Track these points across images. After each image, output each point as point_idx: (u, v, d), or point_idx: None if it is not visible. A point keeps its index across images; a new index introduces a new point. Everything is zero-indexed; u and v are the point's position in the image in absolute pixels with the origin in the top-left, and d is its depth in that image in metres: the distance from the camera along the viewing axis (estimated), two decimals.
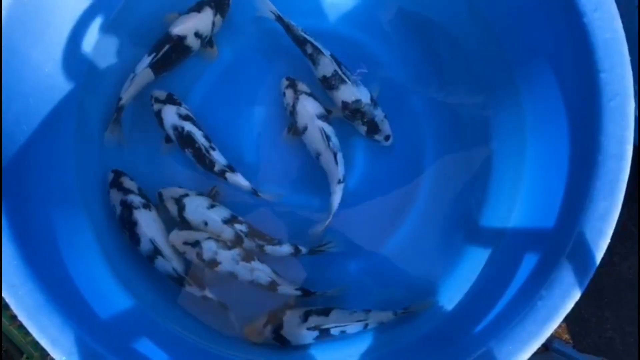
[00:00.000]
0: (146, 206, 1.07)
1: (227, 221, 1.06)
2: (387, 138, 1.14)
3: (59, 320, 0.78)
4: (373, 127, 1.13)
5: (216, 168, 1.08)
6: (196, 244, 1.04)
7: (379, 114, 1.12)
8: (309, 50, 1.11)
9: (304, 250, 1.07)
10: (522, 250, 0.95)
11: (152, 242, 1.04)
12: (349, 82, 1.10)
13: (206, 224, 1.06)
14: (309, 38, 1.10)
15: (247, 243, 1.06)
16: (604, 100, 0.83)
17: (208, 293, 1.05)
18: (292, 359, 1.06)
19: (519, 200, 1.04)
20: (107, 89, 1.13)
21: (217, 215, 1.06)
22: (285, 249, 1.07)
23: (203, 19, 1.12)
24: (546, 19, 0.94)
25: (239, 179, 1.08)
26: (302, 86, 1.12)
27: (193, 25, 1.11)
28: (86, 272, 0.94)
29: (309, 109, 1.09)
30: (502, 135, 1.12)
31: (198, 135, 1.08)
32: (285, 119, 1.15)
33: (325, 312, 1.04)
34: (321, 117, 1.09)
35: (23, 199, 0.87)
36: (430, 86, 1.18)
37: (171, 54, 1.11)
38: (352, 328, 1.02)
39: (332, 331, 1.02)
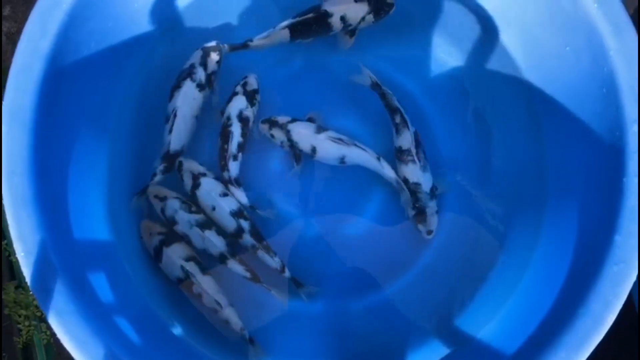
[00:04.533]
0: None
1: (234, 214, 1.08)
2: (429, 232, 1.13)
3: (35, 219, 0.82)
4: (420, 216, 1.13)
5: (225, 174, 1.11)
6: (164, 199, 1.09)
7: (431, 207, 1.12)
8: (397, 119, 1.12)
9: (287, 274, 1.08)
10: None
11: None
12: (417, 164, 1.10)
13: (214, 209, 1.09)
14: (401, 109, 1.12)
15: (245, 240, 1.08)
16: (609, 262, 0.84)
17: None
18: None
19: (496, 319, 1.04)
20: (183, 48, 1.16)
21: (226, 205, 1.09)
22: (274, 262, 1.08)
23: (356, 8, 1.13)
24: (593, 164, 0.95)
25: (238, 194, 1.11)
26: (282, 119, 1.13)
27: (345, 8, 1.13)
28: (83, 190, 0.97)
29: (304, 131, 1.11)
30: (509, 253, 1.11)
31: (235, 139, 1.11)
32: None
33: (207, 272, 1.06)
34: (319, 130, 1.11)
35: (62, 102, 0.91)
36: (467, 172, 1.18)
37: (312, 24, 1.13)
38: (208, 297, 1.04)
39: (194, 288, 1.04)
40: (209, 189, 1.09)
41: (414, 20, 1.20)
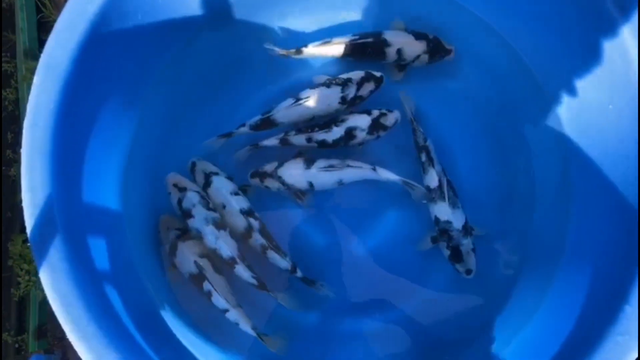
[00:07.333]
0: None
1: (244, 212, 1.07)
2: (468, 272, 1.10)
3: (48, 173, 0.83)
4: (456, 256, 1.09)
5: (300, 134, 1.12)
6: (183, 190, 1.07)
7: (466, 245, 1.08)
8: (424, 158, 1.12)
9: (299, 273, 1.07)
10: None
11: None
12: (446, 201, 1.08)
13: (224, 207, 1.08)
14: (429, 147, 1.12)
15: (255, 239, 1.07)
16: (614, 331, 0.81)
17: None
18: None
19: None
20: (229, 37, 1.17)
21: (236, 203, 1.08)
22: (284, 263, 1.07)
23: (415, 45, 1.14)
24: (616, 229, 0.93)
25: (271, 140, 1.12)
26: (269, 167, 1.12)
27: (404, 43, 1.14)
28: (102, 156, 0.98)
29: (294, 172, 1.10)
30: (515, 302, 1.09)
31: (327, 134, 1.10)
32: None
33: (220, 272, 1.04)
34: (307, 163, 1.10)
35: (98, 66, 0.93)
36: (487, 210, 1.16)
37: (367, 47, 1.14)
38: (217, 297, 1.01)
39: (205, 285, 1.01)
40: (219, 186, 1.09)
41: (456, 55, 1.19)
